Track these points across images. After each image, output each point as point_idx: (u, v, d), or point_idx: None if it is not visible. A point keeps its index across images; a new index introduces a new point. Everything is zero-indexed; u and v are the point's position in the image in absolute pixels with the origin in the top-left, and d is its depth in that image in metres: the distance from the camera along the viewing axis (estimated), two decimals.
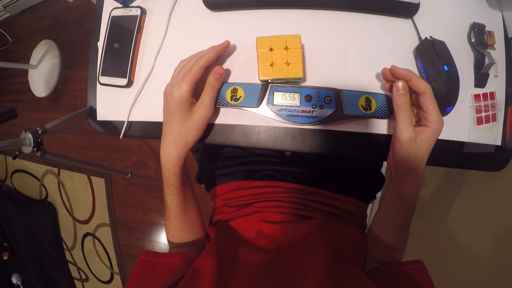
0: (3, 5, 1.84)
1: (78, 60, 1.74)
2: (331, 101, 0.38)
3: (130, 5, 0.47)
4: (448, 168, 0.48)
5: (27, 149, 0.69)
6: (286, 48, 0.36)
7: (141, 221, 1.58)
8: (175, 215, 0.44)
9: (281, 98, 0.38)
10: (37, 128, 0.72)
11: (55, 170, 1.83)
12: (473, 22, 0.46)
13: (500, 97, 0.46)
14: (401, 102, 0.35)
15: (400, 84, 0.35)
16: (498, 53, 0.47)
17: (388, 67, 0.42)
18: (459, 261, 0.62)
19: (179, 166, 0.39)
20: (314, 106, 0.38)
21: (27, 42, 1.92)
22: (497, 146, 0.46)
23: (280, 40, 0.37)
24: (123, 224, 1.63)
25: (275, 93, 0.38)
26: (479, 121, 0.45)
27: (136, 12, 0.46)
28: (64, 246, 1.79)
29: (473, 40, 0.45)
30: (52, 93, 1.80)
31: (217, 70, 0.37)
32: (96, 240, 1.69)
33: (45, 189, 1.86)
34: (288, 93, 0.38)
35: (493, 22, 0.47)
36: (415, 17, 0.43)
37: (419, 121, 0.37)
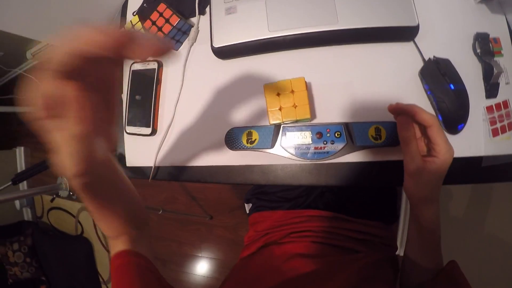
0: (31, 53, 1.98)
1: None
2: (341, 135, 0.40)
3: (147, 59, 0.52)
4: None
5: (63, 193, 0.76)
6: (292, 91, 0.39)
7: (174, 254, 1.62)
8: None
9: (294, 138, 0.41)
10: None
11: None
12: (476, 32, 0.46)
13: None
14: (405, 135, 0.36)
15: (403, 118, 0.36)
16: (507, 59, 0.46)
17: (394, 93, 0.43)
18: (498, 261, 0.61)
19: None
20: (325, 142, 0.40)
21: None
22: None
23: (286, 84, 0.39)
24: (157, 257, 1.64)
25: (287, 133, 0.41)
26: (495, 133, 0.44)
27: (153, 65, 0.50)
28: (101, 279, 1.84)
29: (478, 51, 0.45)
30: None
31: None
32: None
33: (81, 225, 1.94)
34: (300, 132, 0.41)
35: (498, 28, 0.47)
36: (416, 39, 0.44)
37: (429, 151, 0.38)
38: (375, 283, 0.45)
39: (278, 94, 0.39)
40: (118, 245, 0.36)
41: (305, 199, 0.60)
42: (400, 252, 0.60)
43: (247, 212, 0.73)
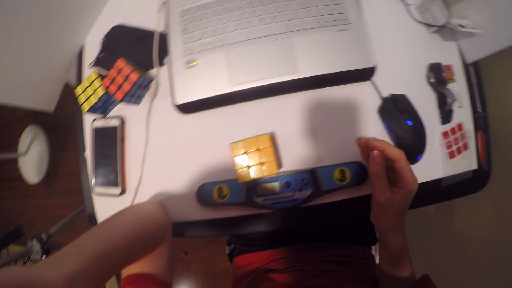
0: None
1: (65, 143, 1.74)
2: (308, 182, 0.42)
3: (109, 115, 0.50)
4: None
5: (36, 257, 0.71)
6: (258, 149, 0.40)
7: None
8: None
9: (263, 190, 0.42)
10: (42, 235, 0.74)
11: None
12: (429, 63, 0.48)
13: (468, 125, 0.49)
14: (377, 169, 0.38)
15: (375, 153, 0.38)
16: (459, 84, 0.49)
17: (356, 133, 0.45)
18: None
19: None
20: (294, 191, 0.42)
21: (13, 128, 1.89)
22: (473, 170, 0.48)
23: (252, 142, 0.40)
24: None
25: (257, 186, 0.42)
26: (452, 155, 0.47)
27: (115, 122, 0.48)
28: None
29: (432, 80, 0.47)
30: (45, 178, 1.77)
31: None
32: None
33: None
34: (269, 184, 0.42)
35: (449, 55, 0.49)
36: (374, 78, 0.45)
37: (395, 183, 0.40)
38: None
39: (245, 153, 0.40)
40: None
41: (288, 235, 0.60)
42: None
43: (227, 252, 0.71)
